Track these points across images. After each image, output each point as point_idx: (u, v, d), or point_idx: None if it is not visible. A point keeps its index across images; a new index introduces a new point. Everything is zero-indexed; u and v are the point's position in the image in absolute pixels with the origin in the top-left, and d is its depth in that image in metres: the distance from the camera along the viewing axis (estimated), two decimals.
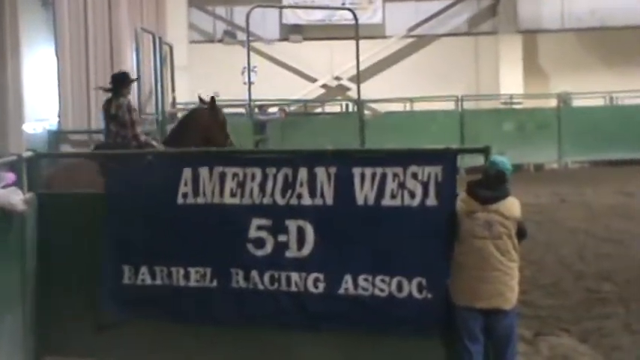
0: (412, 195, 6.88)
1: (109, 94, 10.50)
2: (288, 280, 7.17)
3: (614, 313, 9.32)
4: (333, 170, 7.10)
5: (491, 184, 6.61)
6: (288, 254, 7.16)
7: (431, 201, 6.84)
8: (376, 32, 29.41)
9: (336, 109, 27.62)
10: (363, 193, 7.01)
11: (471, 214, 6.56)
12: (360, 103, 24.71)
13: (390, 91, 27.19)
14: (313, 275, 7.12)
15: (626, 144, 24.39)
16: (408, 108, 26.69)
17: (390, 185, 6.93)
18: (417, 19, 29.79)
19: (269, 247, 7.22)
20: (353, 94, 27.83)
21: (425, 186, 6.85)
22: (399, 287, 6.90)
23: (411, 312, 6.87)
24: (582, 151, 24.78)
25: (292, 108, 28.33)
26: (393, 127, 23.30)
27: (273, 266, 7.20)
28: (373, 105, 27.16)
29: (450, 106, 25.21)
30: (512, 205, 6.61)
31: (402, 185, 6.90)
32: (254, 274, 7.25)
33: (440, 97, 24.98)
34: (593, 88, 26.63)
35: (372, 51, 28.75)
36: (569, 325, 8.96)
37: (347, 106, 27.17)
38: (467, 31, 29.95)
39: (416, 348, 6.95)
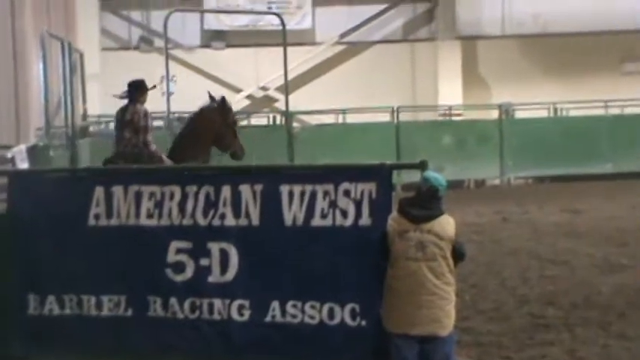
0: (344, 214, 6.89)
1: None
2: (211, 307, 7.15)
3: (559, 340, 9.48)
4: (259, 188, 7.09)
5: (423, 202, 6.62)
6: (211, 279, 7.14)
7: (364, 220, 6.84)
8: (305, 38, 29.53)
9: (263, 121, 27.64)
10: (292, 213, 7.01)
11: (403, 235, 6.56)
12: (288, 115, 24.80)
13: (321, 102, 27.29)
14: (238, 302, 7.10)
15: (571, 158, 24.82)
16: (340, 120, 26.84)
17: (321, 204, 6.94)
18: (350, 24, 29.97)
19: (189, 272, 7.20)
20: (281, 105, 27.90)
21: (358, 204, 6.85)
22: (331, 314, 6.91)
23: (343, 341, 6.86)
24: (526, 166, 25.16)
25: None
26: (324, 141, 23.43)
27: (194, 293, 7.17)
28: (303, 117, 27.27)
29: (385, 118, 25.42)
30: (447, 224, 6.63)
31: (333, 204, 6.91)
32: (173, 301, 7.22)
33: (374, 109, 25.19)
34: (536, 98, 27.05)
35: (301, 59, 28.85)
36: (511, 352, 9.09)
37: (274, 118, 27.21)
38: (402, 38, 30.22)
39: None
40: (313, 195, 6.96)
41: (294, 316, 6.99)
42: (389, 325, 6.66)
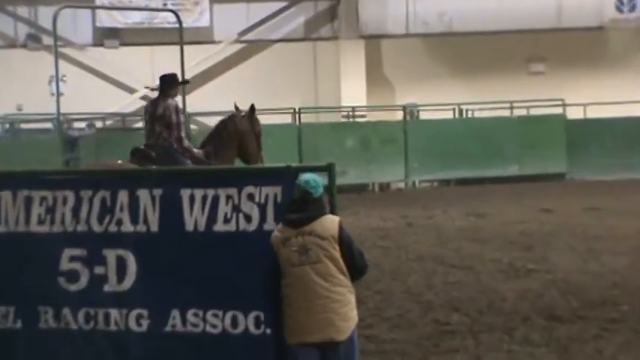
0: (248, 219, 6.85)
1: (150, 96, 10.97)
2: (107, 317, 7.09)
3: (463, 346, 9.68)
4: (158, 192, 7.04)
5: (300, 206, 6.63)
6: (107, 288, 7.07)
7: (269, 225, 6.79)
8: (203, 37, 29.50)
9: None
10: (193, 218, 6.95)
11: (286, 242, 6.57)
12: (185, 116, 24.70)
13: (220, 102, 27.23)
14: (136, 311, 7.04)
15: (477, 161, 25.30)
16: None
17: (224, 208, 6.89)
18: (249, 22, 30.06)
19: (84, 281, 7.12)
20: None
21: (262, 209, 6.81)
22: (234, 323, 6.87)
23: (247, 350, 6.85)
24: (431, 169, 25.54)
25: (108, 122, 28.09)
26: None
27: (88, 303, 7.11)
28: (200, 118, 27.21)
29: (286, 119, 25.55)
30: (329, 223, 6.62)
31: (236, 208, 6.86)
32: (66, 311, 7.15)
33: (275, 110, 25.26)
34: (441, 99, 27.48)
35: (198, 58, 28.80)
36: None
37: None
38: (304, 37, 30.40)
39: None
40: (215, 199, 6.90)
41: (195, 325, 6.92)
42: (286, 336, 6.68)
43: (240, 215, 6.85)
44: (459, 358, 9.35)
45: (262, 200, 6.81)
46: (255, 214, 6.82)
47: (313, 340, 6.55)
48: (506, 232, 16.73)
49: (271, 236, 6.66)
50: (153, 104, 11.77)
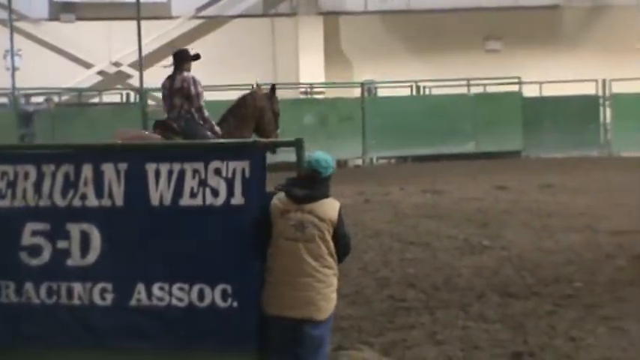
0: (215, 193, 6.88)
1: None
2: (70, 292, 7.06)
3: (419, 323, 9.75)
4: (123, 167, 7.01)
5: (306, 183, 6.72)
6: (70, 262, 7.05)
7: (237, 199, 6.85)
8: (161, 12, 29.32)
9: (116, 98, 27.38)
10: (159, 192, 6.96)
11: (285, 214, 6.66)
12: (142, 92, 24.61)
13: None
14: (100, 285, 7.02)
15: (434, 137, 25.42)
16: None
17: (190, 183, 6.91)
18: None
19: (46, 256, 7.09)
20: (135, 81, 27.66)
21: (230, 183, 6.86)
22: (201, 296, 6.90)
23: (214, 322, 6.89)
24: (388, 146, 25.62)
25: (64, 97, 27.88)
26: None
27: (51, 277, 7.08)
28: (158, 94, 27.04)
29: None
30: (329, 208, 6.71)
31: (203, 182, 6.89)
32: (28, 286, 7.11)
33: (233, 86, 25.15)
34: (399, 76, 27.54)
35: (156, 33, 28.61)
36: (371, 337, 9.30)
37: (127, 95, 26.98)
38: (262, 13, 30.30)
39: None
40: (182, 174, 6.92)
41: (160, 299, 6.95)
42: (265, 306, 6.75)
43: (207, 189, 6.89)
44: (415, 334, 9.41)
45: (229, 175, 6.86)
46: (223, 188, 6.86)
47: (293, 315, 6.65)
48: (462, 209, 16.84)
49: (271, 204, 6.72)
50: (170, 79, 12.19)
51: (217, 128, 12.11)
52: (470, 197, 18.34)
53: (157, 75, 27.54)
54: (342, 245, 6.75)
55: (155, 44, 28.87)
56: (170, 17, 29.69)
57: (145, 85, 24.61)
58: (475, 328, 9.53)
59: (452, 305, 10.41)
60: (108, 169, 7.02)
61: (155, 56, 28.91)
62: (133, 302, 7.00)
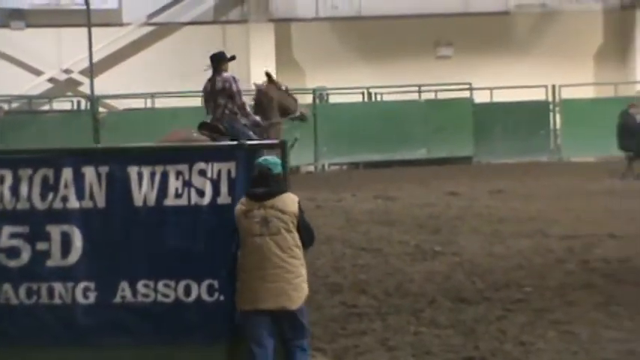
0: (201, 193, 7.21)
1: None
2: (51, 291, 7.24)
3: (371, 329, 9.77)
4: (104, 170, 7.27)
5: (262, 182, 7.11)
6: (50, 263, 7.24)
7: (223, 199, 7.22)
8: (112, 19, 29.12)
9: (66, 106, 27.15)
10: (142, 194, 7.24)
11: (248, 214, 7.05)
12: (93, 99, 24.45)
13: (129, 85, 27.04)
14: (82, 284, 7.23)
15: (386, 144, 25.48)
16: (148, 105, 26.66)
17: (174, 184, 7.23)
18: (158, 5, 29.73)
19: (25, 257, 7.25)
20: (85, 89, 27.48)
21: (215, 183, 7.20)
22: (187, 291, 7.20)
23: (201, 316, 7.21)
24: (340, 152, 25.65)
25: (14, 105, 27.63)
26: (132, 127, 23.27)
27: (30, 278, 7.23)
28: (109, 101, 26.94)
29: (196, 102, 25.34)
30: (289, 201, 7.15)
31: (187, 183, 7.22)
32: (7, 287, 7.25)
33: (184, 93, 25.10)
34: (350, 83, 27.57)
35: (106, 40, 28.42)
36: (323, 343, 9.29)
37: (79, 102, 26.78)
38: (213, 20, 30.20)
39: (208, 355, 7.27)
40: (165, 175, 7.21)
41: (146, 296, 7.20)
42: (240, 303, 7.09)
43: (192, 190, 7.24)
44: (367, 340, 9.43)
45: (215, 176, 7.22)
46: (208, 188, 7.22)
47: (266, 307, 7.02)
48: (414, 215, 16.89)
49: (235, 208, 7.10)
50: (210, 81, 12.72)
51: (258, 118, 12.94)
52: (421, 203, 18.40)
53: (108, 82, 27.56)
54: (306, 235, 7.17)
55: (106, 51, 28.70)
56: (121, 24, 29.48)
57: (95, 93, 24.43)
58: (427, 334, 9.57)
59: (404, 311, 10.44)
60: (88, 172, 7.28)
61: (106, 63, 28.80)
62: (117, 299, 7.24)
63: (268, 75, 14.00)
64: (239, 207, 7.08)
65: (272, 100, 13.70)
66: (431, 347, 9.14)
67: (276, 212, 7.04)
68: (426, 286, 11.58)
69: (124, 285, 7.21)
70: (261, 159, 7.21)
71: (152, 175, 7.23)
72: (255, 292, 7.01)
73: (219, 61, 12.79)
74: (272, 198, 7.07)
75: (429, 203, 18.42)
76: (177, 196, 7.22)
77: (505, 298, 10.87)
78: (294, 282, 7.07)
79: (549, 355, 8.83)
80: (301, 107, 14.20)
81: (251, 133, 12.50)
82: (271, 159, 7.22)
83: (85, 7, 24.24)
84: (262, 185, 7.09)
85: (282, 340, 7.13)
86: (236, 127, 12.41)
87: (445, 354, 8.96)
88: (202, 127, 12.57)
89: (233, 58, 12.89)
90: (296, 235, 7.11)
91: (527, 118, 27.43)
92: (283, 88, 13.93)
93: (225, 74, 12.63)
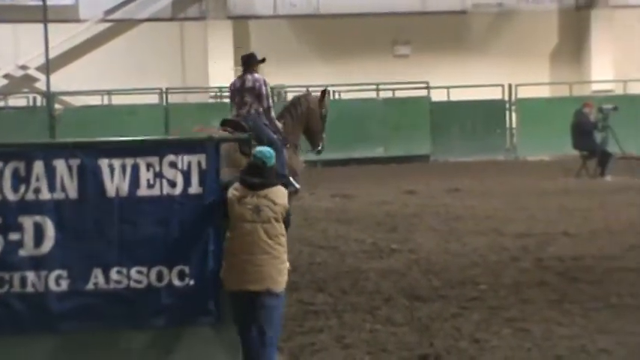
0: (172, 184, 7.60)
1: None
2: (23, 281, 7.43)
3: (327, 326, 9.84)
4: (75, 163, 7.51)
5: (257, 172, 7.62)
6: (23, 253, 7.43)
7: (194, 189, 7.63)
8: (68, 15, 28.94)
9: (22, 102, 26.98)
10: (114, 185, 7.53)
11: (242, 200, 7.54)
12: (49, 96, 24.32)
13: (86, 82, 26.92)
14: (55, 272, 7.46)
15: (343, 142, 25.51)
16: (105, 101, 26.56)
17: (145, 175, 7.57)
18: (115, 1, 29.61)
19: None
20: (42, 85, 27.32)
21: (186, 175, 7.61)
22: (159, 277, 7.60)
23: (172, 300, 7.61)
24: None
25: None
26: (89, 124, 23.20)
27: (1, 268, 7.41)
28: (65, 98, 26.80)
29: (153, 99, 25.36)
30: (281, 193, 7.68)
31: (159, 174, 7.59)
32: None
33: (142, 90, 25.08)
34: (309, 80, 27.54)
35: (63, 36, 28.27)
36: (280, 341, 9.29)
37: (34, 99, 26.63)
38: (171, 17, 30.12)
39: (181, 337, 7.70)
40: (136, 167, 7.55)
41: (118, 282, 7.53)
42: (228, 284, 7.58)
43: (164, 181, 7.60)
44: (323, 337, 9.49)
45: (185, 167, 7.61)
46: (179, 179, 7.61)
47: (253, 288, 7.53)
48: (371, 213, 16.99)
49: (229, 193, 7.56)
50: (240, 79, 12.85)
51: (280, 125, 12.91)
52: (379, 201, 18.51)
53: (65, 78, 27.40)
54: (287, 223, 7.72)
55: (63, 47, 28.54)
56: (78, 20, 29.31)
57: (52, 89, 24.30)
58: (382, 331, 9.65)
59: (360, 309, 10.52)
60: (59, 165, 7.49)
61: (63, 60, 28.64)
62: (90, 286, 7.50)
63: (325, 92, 13.90)
64: (233, 193, 7.55)
65: (309, 112, 13.48)
66: (386, 344, 9.22)
67: (268, 202, 7.53)
68: (382, 283, 11.67)
69: (97, 272, 7.50)
70: (256, 151, 7.70)
71: (123, 167, 7.53)
72: (243, 274, 7.50)
73: (251, 61, 12.96)
74: (266, 188, 7.57)
75: (387, 201, 18.53)
76: (150, 186, 7.58)
77: (460, 296, 10.98)
78: (279, 267, 7.63)
79: (503, 352, 8.93)
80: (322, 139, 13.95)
81: (273, 135, 12.65)
82: (267, 152, 7.70)
83: (41, 2, 24.10)
84: (256, 175, 7.57)
85: (258, 319, 7.56)
86: (260, 126, 12.55)
87: (400, 351, 9.04)
88: (225, 123, 12.75)
89: (263, 60, 13.03)
90: (282, 224, 7.61)
91: (483, 117, 27.67)
92: (324, 111, 13.77)
93: (256, 75, 12.80)
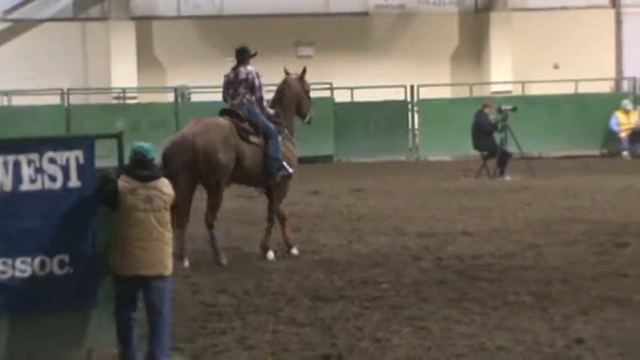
0: (53, 179, 8.06)
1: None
2: None
3: (230, 328, 9.81)
4: None
5: (143, 166, 8.19)
6: None
7: (74, 183, 8.14)
8: None
9: None
10: None
11: (134, 191, 8.12)
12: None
13: None
14: None
15: None
16: (5, 103, 26.15)
17: (27, 171, 8.01)
18: (15, 0, 29.16)
19: None
20: None
21: (65, 170, 8.08)
22: (42, 266, 8.07)
23: (53, 288, 8.09)
24: None
25: None
26: None
27: None
28: None
29: (54, 100, 25.01)
30: (167, 185, 8.37)
31: (40, 170, 8.04)
32: None
33: (42, 91, 24.72)
34: (212, 81, 27.35)
35: None
36: (182, 342, 9.28)
37: None
38: (73, 16, 29.76)
39: (61, 322, 8.18)
40: (17, 164, 7.97)
41: (3, 272, 7.95)
42: (120, 270, 8.11)
43: (45, 176, 8.06)
44: (225, 339, 9.48)
45: (64, 163, 8.08)
46: (59, 174, 8.08)
47: (146, 273, 8.12)
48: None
49: (119, 185, 8.09)
50: (234, 71, 13.43)
51: (272, 112, 13.55)
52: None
53: None
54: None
55: None
56: None
57: None
58: (285, 332, 9.67)
59: (263, 310, 10.53)
60: None
61: None
62: None
63: (304, 71, 14.41)
64: (123, 185, 8.08)
65: (294, 96, 14.07)
66: (289, 345, 9.24)
67: (157, 192, 8.18)
68: (285, 284, 11.70)
69: None
70: (136, 146, 8.21)
71: (5, 164, 7.94)
72: (135, 260, 8.06)
73: (244, 54, 13.55)
74: (154, 180, 8.21)
75: (290, 202, 18.41)
76: (32, 181, 8.02)
77: (362, 296, 11.06)
78: (167, 252, 8.24)
79: (404, 351, 9.01)
80: (310, 112, 14.52)
81: (268, 122, 13.33)
82: (145, 145, 8.24)
83: None
84: (143, 168, 8.17)
85: (149, 304, 8.22)
86: (255, 114, 13.22)
87: (303, 352, 9.06)
88: (223, 113, 13.36)
89: (255, 54, 13.58)
90: (169, 213, 8.24)
91: (386, 118, 27.91)
92: (307, 88, 14.38)
93: (249, 67, 13.42)
